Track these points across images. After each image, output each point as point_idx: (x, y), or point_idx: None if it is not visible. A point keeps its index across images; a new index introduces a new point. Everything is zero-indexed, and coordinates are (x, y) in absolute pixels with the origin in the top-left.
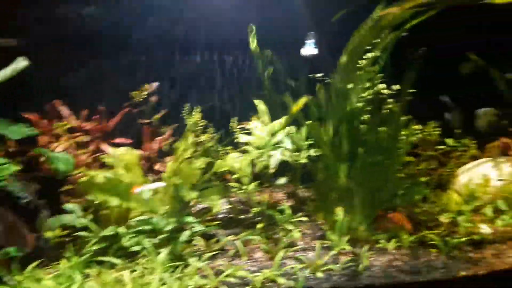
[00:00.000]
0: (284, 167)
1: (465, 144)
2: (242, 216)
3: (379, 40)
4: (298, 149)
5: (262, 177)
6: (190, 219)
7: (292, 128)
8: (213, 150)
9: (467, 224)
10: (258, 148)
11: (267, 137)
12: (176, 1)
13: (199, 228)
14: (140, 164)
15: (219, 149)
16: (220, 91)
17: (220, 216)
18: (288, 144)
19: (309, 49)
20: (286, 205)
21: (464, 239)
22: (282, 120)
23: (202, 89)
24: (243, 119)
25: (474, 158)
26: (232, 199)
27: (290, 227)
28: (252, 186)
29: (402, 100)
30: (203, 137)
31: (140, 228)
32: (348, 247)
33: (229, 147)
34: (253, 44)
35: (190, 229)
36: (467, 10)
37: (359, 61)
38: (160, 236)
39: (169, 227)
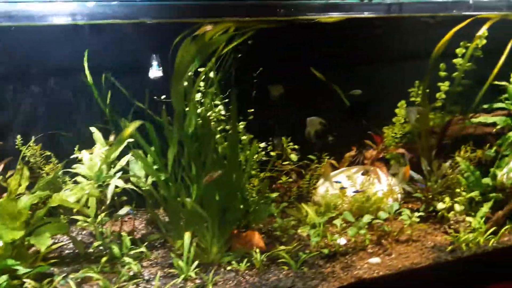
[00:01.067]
0: (136, 195)
1: (318, 156)
2: (90, 251)
3: (198, 60)
4: (147, 175)
5: (111, 207)
6: (11, 261)
7: (140, 154)
8: (59, 182)
9: (317, 238)
10: (91, 178)
11: (101, 166)
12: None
13: (23, 270)
14: None
15: (66, 180)
16: (64, 120)
17: (67, 252)
18: (134, 171)
19: (155, 71)
20: (125, 235)
21: (314, 253)
22: (112, 147)
23: (45, 119)
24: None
25: (333, 168)
26: (84, 232)
27: (128, 259)
28: (100, 217)
29: (233, 119)
30: (45, 169)
31: None
32: (194, 274)
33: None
34: (86, 69)
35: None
36: (306, 28)
37: (183, 83)
38: None
39: None
